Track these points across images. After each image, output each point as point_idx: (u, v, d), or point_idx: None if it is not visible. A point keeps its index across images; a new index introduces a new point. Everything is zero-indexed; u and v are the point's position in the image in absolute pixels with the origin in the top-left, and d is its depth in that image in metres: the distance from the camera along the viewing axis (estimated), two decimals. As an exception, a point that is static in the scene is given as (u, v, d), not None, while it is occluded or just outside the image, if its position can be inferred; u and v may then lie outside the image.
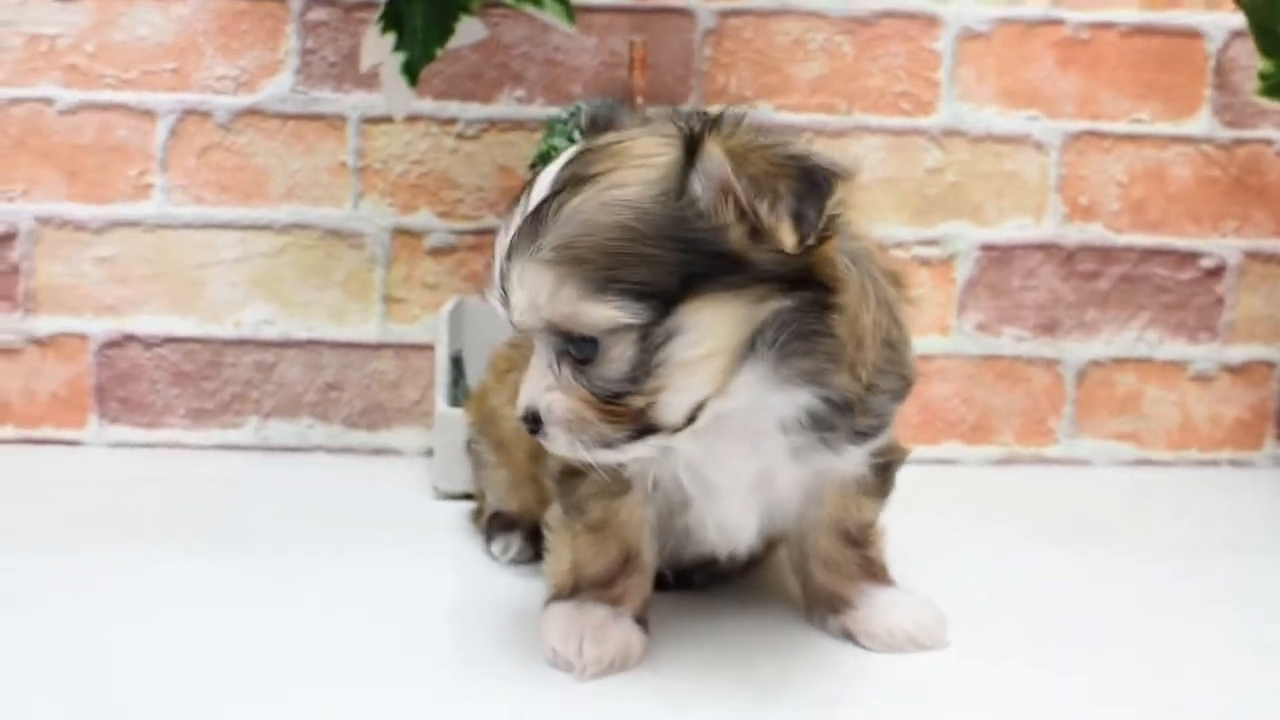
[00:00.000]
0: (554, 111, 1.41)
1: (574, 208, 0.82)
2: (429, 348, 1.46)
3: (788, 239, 0.80)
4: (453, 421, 1.30)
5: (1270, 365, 1.58)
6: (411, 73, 1.32)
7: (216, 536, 1.18)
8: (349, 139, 1.47)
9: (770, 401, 0.88)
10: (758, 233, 0.81)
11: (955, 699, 0.90)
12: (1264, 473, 1.57)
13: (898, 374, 0.95)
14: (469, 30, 1.31)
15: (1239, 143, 1.54)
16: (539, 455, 0.98)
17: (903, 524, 1.06)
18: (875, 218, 1.50)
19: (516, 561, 1.14)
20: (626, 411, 0.84)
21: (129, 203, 1.46)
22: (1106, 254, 1.54)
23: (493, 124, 1.48)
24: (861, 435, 0.93)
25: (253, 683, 0.88)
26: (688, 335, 0.82)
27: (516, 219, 0.85)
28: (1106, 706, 0.90)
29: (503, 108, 1.47)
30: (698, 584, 1.08)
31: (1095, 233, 1.53)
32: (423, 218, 1.48)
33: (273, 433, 1.50)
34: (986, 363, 1.54)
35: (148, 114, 1.46)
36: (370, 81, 1.43)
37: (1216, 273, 1.56)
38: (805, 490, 0.97)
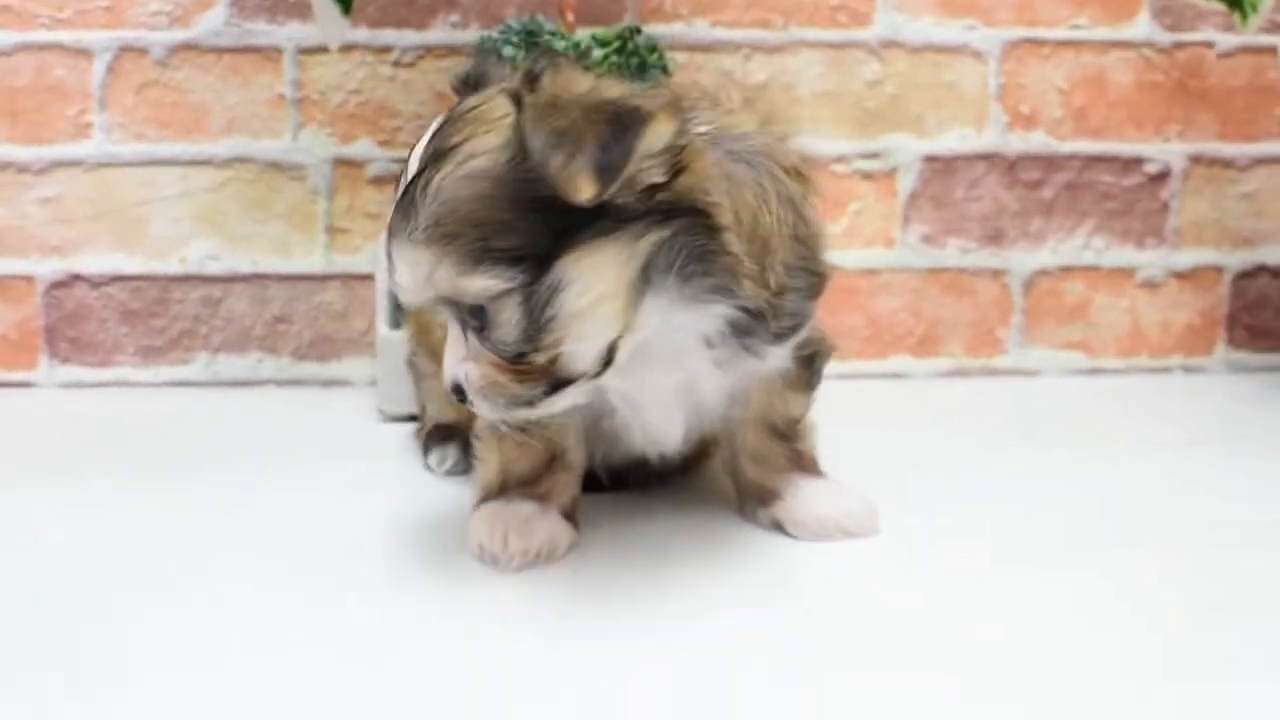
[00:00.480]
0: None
1: (437, 184, 0.83)
2: (374, 277, 1.46)
3: (586, 190, 0.79)
4: (394, 344, 1.30)
5: (1218, 269, 1.58)
6: (344, 1, 1.31)
7: (168, 467, 1.18)
8: (285, 71, 1.47)
9: (683, 321, 0.88)
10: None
11: (889, 589, 0.90)
12: (1216, 378, 1.58)
13: (808, 270, 0.95)
14: (400, -45, 1.31)
15: (1179, 45, 1.54)
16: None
17: (852, 437, 1.07)
18: (815, 132, 1.50)
19: (453, 472, 1.14)
20: (534, 369, 0.85)
21: (70, 143, 1.46)
22: (1050, 162, 1.54)
23: (429, 50, 1.47)
24: (780, 336, 0.94)
25: (195, 589, 0.89)
26: (573, 287, 0.83)
27: (397, 195, 0.86)
28: (1051, 592, 0.90)
29: (438, 34, 1.47)
30: (632, 485, 1.08)
31: (1038, 141, 1.54)
32: (363, 147, 1.48)
33: (223, 368, 1.50)
34: (933, 275, 1.54)
35: (84, 53, 1.46)
36: (305, 12, 1.43)
37: (1161, 178, 1.56)
38: (730, 393, 0.97)
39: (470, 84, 0.92)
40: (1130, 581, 0.91)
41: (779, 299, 0.91)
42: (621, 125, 0.80)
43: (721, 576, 0.92)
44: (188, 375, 1.50)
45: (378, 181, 1.48)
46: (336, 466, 1.20)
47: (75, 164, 1.47)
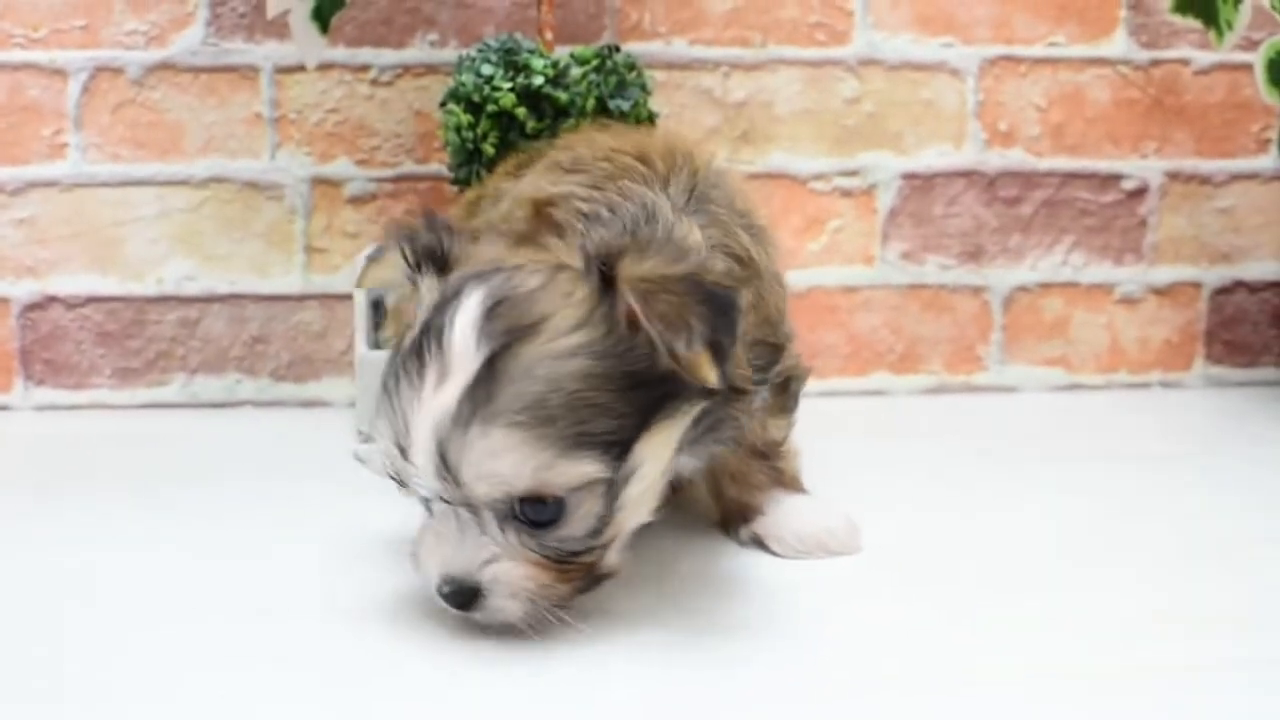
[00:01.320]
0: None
1: (529, 362, 0.76)
2: (353, 297, 1.45)
3: (711, 375, 0.78)
4: (373, 364, 1.29)
5: (1196, 285, 1.59)
6: (322, 20, 1.31)
7: (145, 489, 1.18)
8: (263, 90, 1.46)
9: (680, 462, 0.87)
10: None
11: (871, 606, 0.90)
12: (1194, 393, 1.58)
13: (766, 343, 0.95)
14: (378, -26, 1.31)
15: (1156, 63, 1.54)
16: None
17: (833, 454, 1.06)
18: (794, 150, 1.51)
19: (427, 498, 1.13)
20: (582, 566, 0.81)
21: (45, 163, 1.46)
22: (1028, 179, 1.55)
23: (406, 69, 1.47)
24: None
25: (173, 610, 0.88)
26: (640, 470, 0.80)
27: (430, 378, 0.78)
28: (1033, 607, 0.90)
29: (416, 52, 1.47)
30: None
31: (1016, 158, 1.54)
32: (341, 166, 1.47)
33: (200, 389, 1.49)
34: (912, 292, 1.55)
35: (59, 73, 1.45)
36: (282, 31, 1.42)
37: (1139, 194, 1.56)
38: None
39: (438, 258, 0.84)
40: (1112, 596, 0.91)
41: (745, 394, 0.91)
42: (720, 307, 0.78)
43: (702, 593, 0.91)
44: (165, 397, 1.49)
45: (355, 201, 1.48)
46: (315, 487, 1.19)
47: (50, 184, 1.46)
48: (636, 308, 0.77)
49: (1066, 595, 0.91)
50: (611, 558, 0.83)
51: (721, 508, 1.03)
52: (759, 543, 0.99)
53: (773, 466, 1.01)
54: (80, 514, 1.10)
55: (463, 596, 0.80)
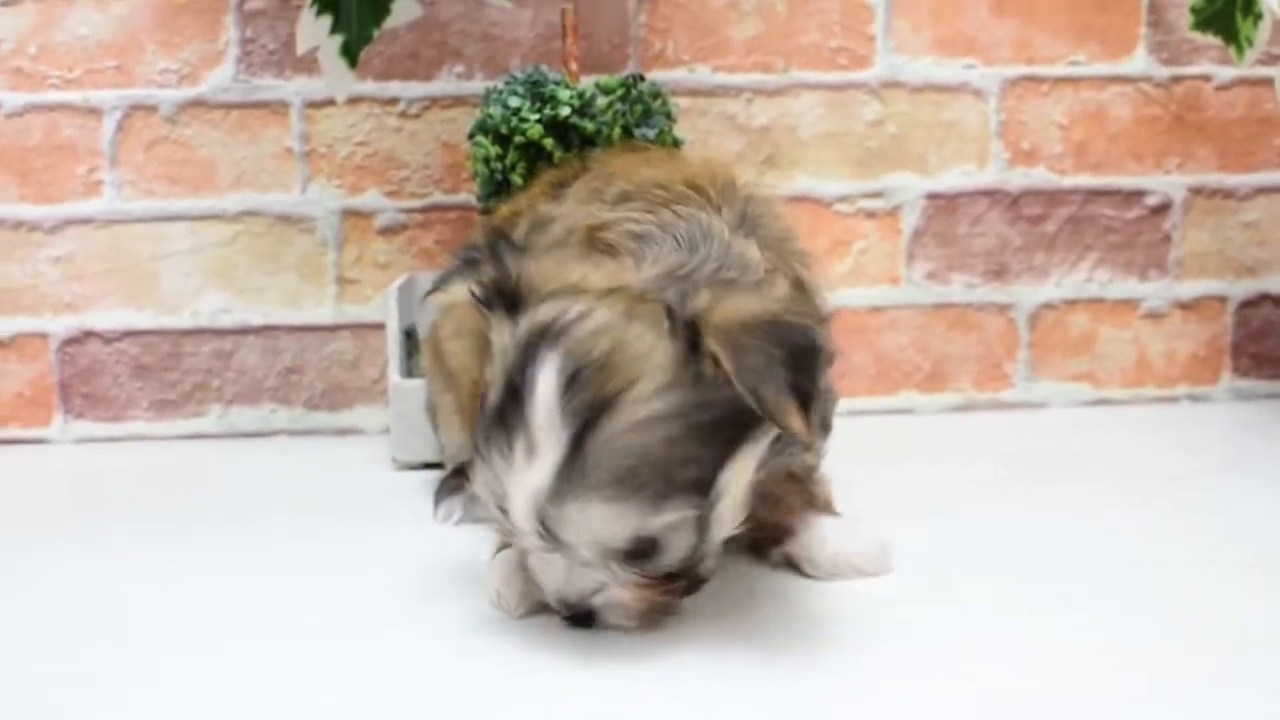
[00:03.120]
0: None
1: (613, 436, 0.79)
2: (385, 326, 1.47)
3: (796, 422, 0.78)
4: (408, 392, 1.31)
5: (1222, 299, 1.59)
6: (350, 54, 1.33)
7: (183, 519, 1.19)
8: (293, 124, 1.48)
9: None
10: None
11: (903, 626, 0.91)
12: (1222, 406, 1.58)
13: None
14: (405, 10, 1.33)
15: (1177, 79, 1.55)
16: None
17: (862, 474, 1.07)
18: (818, 173, 1.52)
19: (463, 523, 1.15)
20: (686, 576, 0.87)
21: (80, 200, 1.48)
22: (1051, 197, 1.55)
23: (434, 101, 1.49)
24: None
25: (211, 641, 0.90)
26: (725, 496, 0.84)
27: (519, 451, 0.80)
28: (1064, 626, 0.90)
29: (443, 85, 1.49)
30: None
31: (1039, 176, 1.55)
32: (371, 198, 1.50)
33: (236, 419, 1.51)
34: (938, 311, 1.56)
35: (93, 112, 1.47)
36: (311, 66, 1.44)
37: (1162, 210, 1.57)
38: None
39: (508, 294, 0.86)
40: (1143, 614, 0.92)
41: None
42: (806, 351, 0.80)
43: (732, 614, 0.92)
44: (201, 428, 1.51)
45: (386, 232, 1.50)
46: (351, 515, 1.20)
47: (86, 221, 1.48)
48: (729, 368, 0.79)
49: (1097, 613, 0.92)
50: (709, 564, 0.88)
51: (753, 529, 1.03)
52: (791, 564, 1.00)
53: (806, 489, 1.02)
54: (120, 545, 1.12)
55: (580, 618, 0.87)
